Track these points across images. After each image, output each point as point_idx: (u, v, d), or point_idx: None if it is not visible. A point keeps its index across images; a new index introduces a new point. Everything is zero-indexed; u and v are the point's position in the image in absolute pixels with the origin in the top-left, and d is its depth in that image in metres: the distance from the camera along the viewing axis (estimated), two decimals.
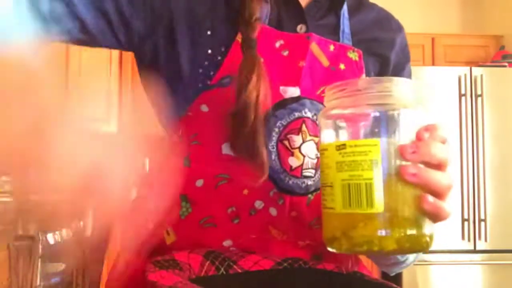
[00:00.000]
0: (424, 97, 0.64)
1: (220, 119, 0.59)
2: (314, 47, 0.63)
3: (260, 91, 0.56)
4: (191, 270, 0.49)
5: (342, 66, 0.64)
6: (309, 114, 0.61)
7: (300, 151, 0.60)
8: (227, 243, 0.60)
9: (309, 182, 0.61)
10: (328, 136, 0.44)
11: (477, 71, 2.84)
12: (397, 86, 0.43)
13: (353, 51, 0.66)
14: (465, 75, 2.84)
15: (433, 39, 3.44)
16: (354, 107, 0.43)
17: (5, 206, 0.40)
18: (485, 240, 2.76)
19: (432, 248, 0.43)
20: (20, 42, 0.47)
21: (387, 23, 0.74)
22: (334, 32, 0.66)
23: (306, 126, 0.60)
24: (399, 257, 0.62)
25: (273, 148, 0.60)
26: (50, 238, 0.42)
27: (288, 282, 0.53)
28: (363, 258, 0.70)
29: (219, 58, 0.60)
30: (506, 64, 3.01)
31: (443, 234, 2.76)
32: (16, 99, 0.40)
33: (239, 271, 0.53)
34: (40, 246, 0.41)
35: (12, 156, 0.37)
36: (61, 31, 0.57)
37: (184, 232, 0.62)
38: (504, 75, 2.87)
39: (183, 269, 0.47)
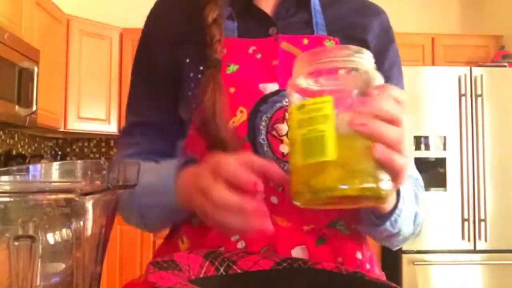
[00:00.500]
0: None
1: None
2: (285, 45, 0.68)
3: (216, 99, 0.63)
4: (191, 270, 0.49)
5: None
6: None
7: (287, 138, 0.64)
8: (235, 238, 0.63)
9: None
10: (293, 100, 0.48)
11: (477, 71, 2.84)
12: (356, 52, 0.46)
13: (329, 40, 0.70)
14: (465, 75, 2.84)
15: (433, 39, 3.44)
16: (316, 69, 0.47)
17: (5, 206, 0.40)
18: (485, 240, 2.76)
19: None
20: None
21: (363, 10, 0.76)
22: (307, 26, 0.71)
23: None
24: (389, 228, 0.62)
25: (264, 140, 0.65)
26: (50, 238, 0.42)
27: (287, 282, 0.53)
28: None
29: (199, 76, 0.68)
30: (506, 64, 3.01)
31: (443, 234, 2.76)
32: None
33: (239, 271, 0.53)
34: (40, 246, 0.41)
35: None
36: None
37: (197, 237, 0.67)
38: (504, 75, 2.87)
39: (182, 270, 0.47)
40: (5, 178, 0.41)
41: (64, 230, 0.43)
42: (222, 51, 0.67)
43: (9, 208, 0.40)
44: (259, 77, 0.67)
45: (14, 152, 3.01)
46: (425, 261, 2.75)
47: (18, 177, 0.42)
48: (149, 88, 0.75)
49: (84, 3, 3.50)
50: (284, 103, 0.65)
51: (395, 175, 0.45)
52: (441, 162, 2.80)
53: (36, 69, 2.51)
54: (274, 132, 0.65)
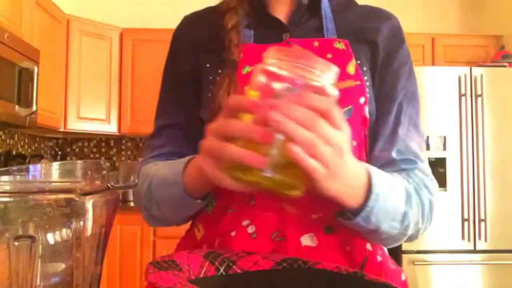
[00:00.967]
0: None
1: None
2: (296, 47, 0.73)
3: (230, 92, 0.70)
4: (191, 270, 0.49)
5: (329, 55, 0.73)
6: None
7: None
8: (245, 223, 0.68)
9: None
10: (254, 81, 0.50)
11: (477, 71, 2.84)
12: (320, 68, 0.48)
13: (339, 42, 0.74)
14: (465, 75, 2.84)
15: (433, 39, 3.44)
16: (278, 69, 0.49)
17: (5, 206, 0.40)
18: (485, 240, 2.76)
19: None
20: None
21: (373, 15, 0.80)
22: (318, 31, 0.76)
23: None
24: (363, 224, 0.63)
25: None
26: (50, 238, 0.42)
27: (287, 282, 0.53)
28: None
29: (217, 78, 0.75)
30: (506, 64, 3.01)
31: (443, 234, 2.76)
32: None
33: (239, 271, 0.53)
34: (40, 246, 0.41)
35: None
36: None
37: (210, 224, 0.72)
38: (504, 75, 2.87)
39: (182, 270, 0.47)
40: (5, 178, 0.41)
41: (64, 230, 0.43)
42: (239, 55, 0.73)
43: (9, 208, 0.40)
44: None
45: (14, 152, 3.01)
46: (425, 261, 2.75)
47: (18, 177, 0.42)
48: (175, 93, 0.82)
49: (84, 3, 3.50)
50: None
51: (309, 175, 0.49)
52: (441, 162, 2.80)
53: (36, 69, 2.51)
54: None
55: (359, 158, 0.72)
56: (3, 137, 2.92)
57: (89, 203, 0.43)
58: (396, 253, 2.80)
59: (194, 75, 0.79)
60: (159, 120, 0.84)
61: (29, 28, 2.58)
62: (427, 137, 2.81)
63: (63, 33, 3.06)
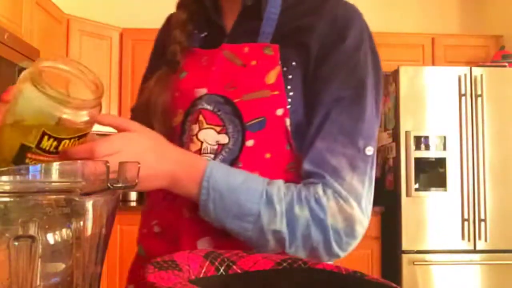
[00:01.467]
0: None
1: None
2: (226, 54, 0.73)
3: (154, 92, 0.77)
4: (191, 270, 0.49)
5: (253, 62, 0.71)
6: (207, 106, 0.71)
7: (197, 138, 0.71)
8: (154, 222, 0.74)
9: None
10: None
11: (477, 71, 2.85)
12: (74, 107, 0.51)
13: (268, 47, 0.71)
14: (465, 75, 2.84)
15: (433, 39, 3.44)
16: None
17: (5, 206, 0.40)
18: (485, 240, 2.76)
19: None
20: None
21: (315, 9, 0.72)
22: (254, 34, 0.73)
23: (204, 116, 0.71)
24: (206, 216, 0.65)
25: (186, 139, 0.73)
26: (50, 238, 0.42)
27: (287, 282, 0.53)
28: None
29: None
30: (506, 64, 3.01)
31: (443, 234, 2.76)
32: None
33: (239, 271, 0.53)
34: (40, 246, 0.41)
35: None
36: None
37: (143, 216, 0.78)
38: (504, 75, 2.88)
39: (182, 270, 0.47)
40: (5, 178, 0.41)
41: (64, 230, 0.43)
42: (179, 56, 0.76)
43: (9, 208, 0.40)
44: (197, 82, 0.74)
45: None
46: (425, 261, 2.75)
47: (18, 177, 0.42)
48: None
49: (84, 3, 3.50)
50: (201, 106, 0.72)
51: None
52: (441, 162, 2.80)
53: None
54: (189, 133, 0.72)
55: (275, 171, 0.68)
56: None
57: (89, 203, 0.43)
58: (396, 253, 2.80)
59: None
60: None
61: (29, 28, 2.58)
62: (427, 137, 2.81)
63: (63, 33, 3.06)
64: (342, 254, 0.67)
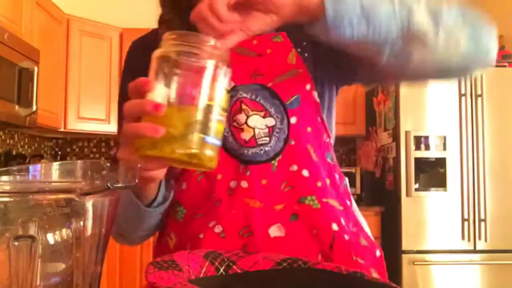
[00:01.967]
0: None
1: None
2: (237, 49, 0.73)
3: None
4: (191, 270, 0.49)
5: (268, 51, 0.75)
6: (245, 95, 0.73)
7: (248, 125, 0.72)
8: (212, 224, 0.70)
9: (266, 148, 0.72)
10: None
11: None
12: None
13: (276, 35, 0.76)
14: None
15: None
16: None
17: (5, 206, 0.40)
18: (485, 240, 2.76)
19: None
20: None
21: None
22: None
23: (246, 104, 0.73)
24: (349, 32, 0.59)
25: (228, 133, 0.72)
26: (50, 238, 0.42)
27: (287, 282, 0.53)
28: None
29: None
30: (506, 64, 3.01)
31: (443, 234, 2.76)
32: None
33: (239, 271, 0.53)
34: (40, 246, 0.41)
35: None
36: None
37: (181, 231, 0.73)
38: (504, 75, 2.88)
39: (182, 270, 0.47)
40: (5, 178, 0.41)
41: (64, 230, 0.43)
42: None
43: (9, 208, 0.40)
44: None
45: (14, 152, 3.01)
46: (425, 261, 2.75)
47: (18, 177, 0.42)
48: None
49: (84, 3, 3.50)
50: (239, 96, 0.73)
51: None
52: (441, 162, 2.80)
53: (36, 69, 2.51)
54: (234, 123, 0.72)
55: (317, 143, 0.74)
56: (3, 137, 2.92)
57: (89, 203, 0.43)
58: (396, 253, 2.80)
59: None
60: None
61: (29, 28, 2.58)
62: (427, 137, 2.81)
63: (63, 33, 3.06)
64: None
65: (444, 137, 2.81)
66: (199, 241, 0.69)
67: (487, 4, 3.77)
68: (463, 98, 2.82)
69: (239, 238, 0.68)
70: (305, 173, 0.72)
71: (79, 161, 0.47)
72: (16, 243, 0.39)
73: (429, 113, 2.82)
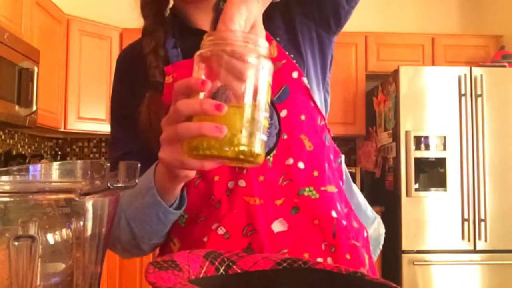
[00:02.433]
0: None
1: None
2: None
3: (151, 111, 0.72)
4: (191, 270, 0.49)
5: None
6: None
7: None
8: (214, 226, 0.70)
9: None
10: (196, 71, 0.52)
11: (477, 71, 2.85)
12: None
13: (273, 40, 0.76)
14: (465, 75, 2.84)
15: (433, 39, 3.44)
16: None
17: (5, 206, 0.40)
18: (485, 240, 2.76)
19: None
20: None
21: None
22: None
23: None
24: None
25: None
26: (50, 238, 0.42)
27: (287, 282, 0.53)
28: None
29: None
30: (506, 64, 3.01)
31: (443, 234, 2.76)
32: None
33: (239, 271, 0.53)
34: (40, 246, 0.41)
35: None
36: None
37: (184, 236, 0.73)
38: (504, 75, 2.88)
39: (182, 270, 0.47)
40: (5, 178, 0.41)
41: (64, 230, 0.43)
42: (160, 76, 0.75)
43: (9, 208, 0.40)
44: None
45: (14, 152, 3.01)
46: (425, 261, 2.75)
47: (18, 177, 0.42)
48: (124, 125, 0.81)
49: (84, 3, 3.50)
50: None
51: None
52: (441, 162, 2.80)
53: (36, 69, 2.51)
54: None
55: (312, 130, 0.75)
56: (3, 137, 2.92)
57: (89, 203, 0.43)
58: (396, 253, 2.80)
59: (135, 106, 0.78)
60: (114, 152, 0.82)
61: (29, 28, 2.58)
62: (427, 137, 2.82)
63: (63, 33, 3.06)
64: None
65: (444, 137, 2.81)
66: (203, 244, 0.68)
67: (487, 4, 3.78)
68: (463, 98, 2.82)
69: (244, 237, 0.68)
70: (301, 165, 0.72)
71: (79, 161, 0.47)
72: (16, 243, 0.39)
73: (429, 113, 2.82)
